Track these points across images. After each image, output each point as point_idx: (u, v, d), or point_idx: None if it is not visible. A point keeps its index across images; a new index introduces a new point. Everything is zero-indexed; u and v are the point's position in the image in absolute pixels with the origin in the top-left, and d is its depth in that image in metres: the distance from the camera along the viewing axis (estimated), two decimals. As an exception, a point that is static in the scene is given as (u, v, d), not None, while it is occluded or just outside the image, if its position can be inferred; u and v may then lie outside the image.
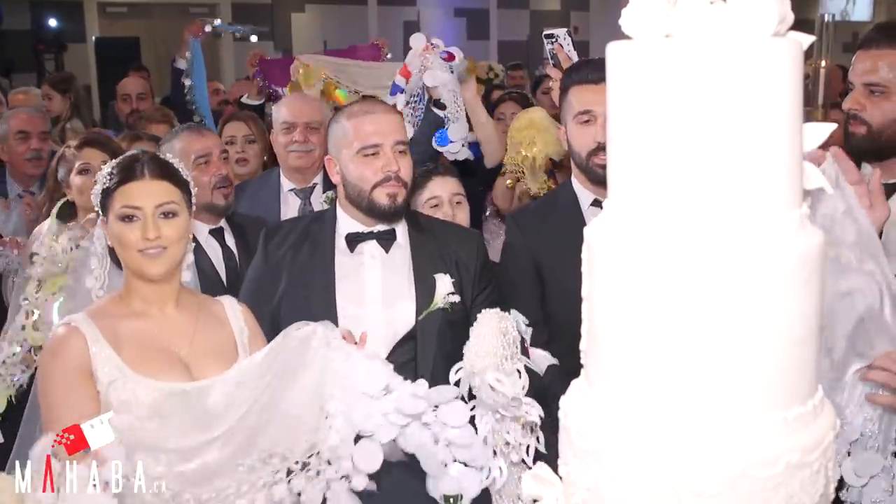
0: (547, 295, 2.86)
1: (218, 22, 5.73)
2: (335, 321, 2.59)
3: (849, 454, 2.13)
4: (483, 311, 2.33)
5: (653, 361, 1.21)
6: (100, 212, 2.29)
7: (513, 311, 2.81)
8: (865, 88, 2.55)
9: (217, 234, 3.32)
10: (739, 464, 1.19)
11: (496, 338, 2.22)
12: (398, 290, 2.67)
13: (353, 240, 2.69)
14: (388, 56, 5.30)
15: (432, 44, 3.80)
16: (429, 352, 2.61)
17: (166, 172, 2.28)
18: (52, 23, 12.38)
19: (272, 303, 2.69)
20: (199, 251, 3.21)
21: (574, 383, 1.39)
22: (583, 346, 1.36)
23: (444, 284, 2.65)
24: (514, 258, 2.94)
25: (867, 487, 2.13)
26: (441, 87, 3.71)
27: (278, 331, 2.64)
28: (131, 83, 6.23)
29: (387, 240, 2.70)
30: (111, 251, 2.33)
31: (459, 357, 2.35)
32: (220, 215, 3.32)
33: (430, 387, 2.32)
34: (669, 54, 1.19)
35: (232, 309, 2.45)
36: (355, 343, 2.29)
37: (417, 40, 3.83)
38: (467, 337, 2.69)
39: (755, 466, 1.19)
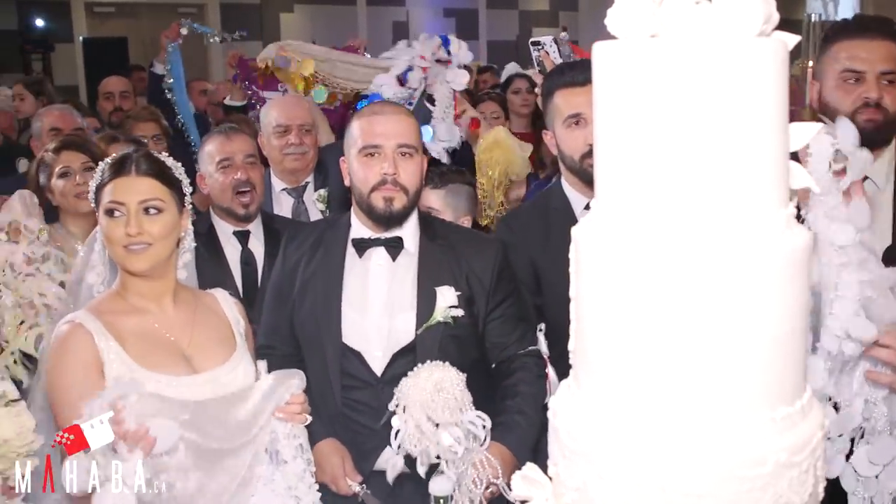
0: (542, 299, 2.83)
1: (193, 24, 5.69)
2: (338, 328, 2.59)
3: (852, 444, 2.08)
4: (425, 363, 2.26)
5: (640, 361, 1.21)
6: (95, 207, 2.30)
7: (539, 334, 2.74)
8: (881, 77, 2.63)
9: (241, 235, 3.33)
10: (727, 464, 1.19)
11: (427, 391, 2.18)
12: (401, 300, 2.61)
13: (361, 245, 2.65)
14: (367, 56, 5.28)
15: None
16: None
17: (155, 170, 2.29)
18: (40, 23, 12.30)
19: (289, 305, 2.69)
20: (218, 251, 3.28)
21: (563, 383, 1.39)
22: (571, 345, 1.36)
23: (445, 298, 2.58)
24: (512, 258, 2.91)
25: (883, 476, 2.07)
26: (438, 84, 3.72)
27: (294, 333, 2.67)
28: (114, 81, 6.19)
29: (394, 247, 2.64)
30: None
31: (464, 370, 2.28)
32: (243, 220, 3.32)
33: None
34: (655, 54, 1.19)
35: (225, 301, 2.48)
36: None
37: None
38: (475, 352, 2.62)
39: (743, 466, 1.19)
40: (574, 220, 2.77)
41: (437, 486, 2.18)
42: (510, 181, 4.24)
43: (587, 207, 2.79)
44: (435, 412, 2.16)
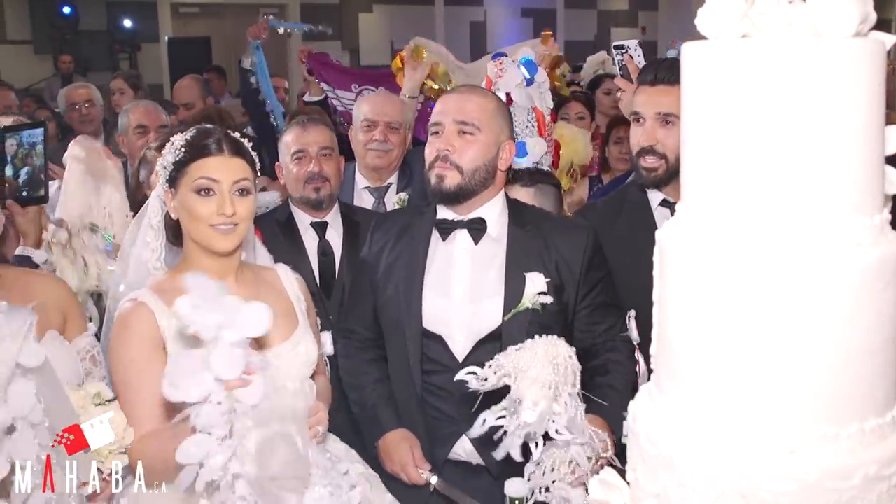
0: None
1: (277, 22, 5.74)
2: (419, 312, 2.58)
3: None
4: (534, 337, 2.17)
5: (725, 368, 1.19)
6: (167, 184, 2.29)
7: (630, 321, 2.69)
8: None
9: (319, 226, 3.36)
10: (813, 475, 1.16)
11: (543, 366, 2.11)
12: (487, 286, 2.57)
13: (443, 227, 2.63)
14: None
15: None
16: None
17: (241, 150, 2.30)
18: (127, 23, 12.69)
19: (372, 290, 2.70)
20: (297, 240, 3.29)
21: (643, 388, 1.38)
22: (653, 350, 1.34)
23: (534, 284, 2.52)
24: None
25: None
26: (514, 105, 3.72)
27: (377, 319, 2.70)
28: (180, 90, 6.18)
29: (477, 230, 2.61)
30: (166, 226, 2.36)
31: None
32: (315, 208, 3.35)
33: None
34: (747, 55, 1.17)
35: (286, 277, 2.47)
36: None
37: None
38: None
39: (830, 478, 1.16)
40: (649, 214, 2.78)
41: (512, 488, 2.17)
42: (577, 169, 4.26)
43: (663, 203, 2.74)
44: (552, 387, 2.10)
